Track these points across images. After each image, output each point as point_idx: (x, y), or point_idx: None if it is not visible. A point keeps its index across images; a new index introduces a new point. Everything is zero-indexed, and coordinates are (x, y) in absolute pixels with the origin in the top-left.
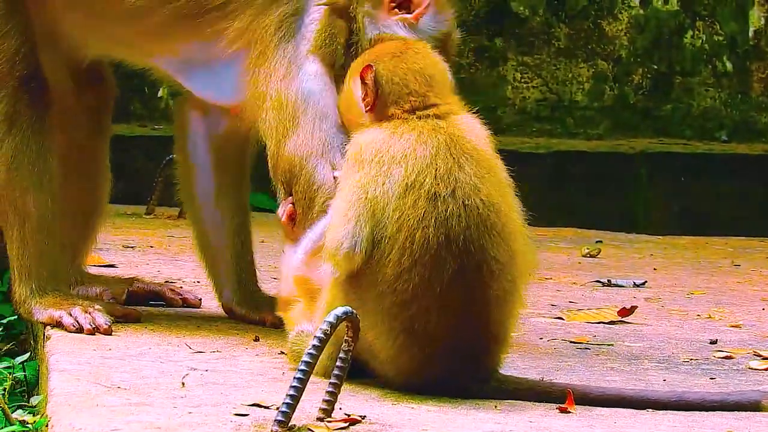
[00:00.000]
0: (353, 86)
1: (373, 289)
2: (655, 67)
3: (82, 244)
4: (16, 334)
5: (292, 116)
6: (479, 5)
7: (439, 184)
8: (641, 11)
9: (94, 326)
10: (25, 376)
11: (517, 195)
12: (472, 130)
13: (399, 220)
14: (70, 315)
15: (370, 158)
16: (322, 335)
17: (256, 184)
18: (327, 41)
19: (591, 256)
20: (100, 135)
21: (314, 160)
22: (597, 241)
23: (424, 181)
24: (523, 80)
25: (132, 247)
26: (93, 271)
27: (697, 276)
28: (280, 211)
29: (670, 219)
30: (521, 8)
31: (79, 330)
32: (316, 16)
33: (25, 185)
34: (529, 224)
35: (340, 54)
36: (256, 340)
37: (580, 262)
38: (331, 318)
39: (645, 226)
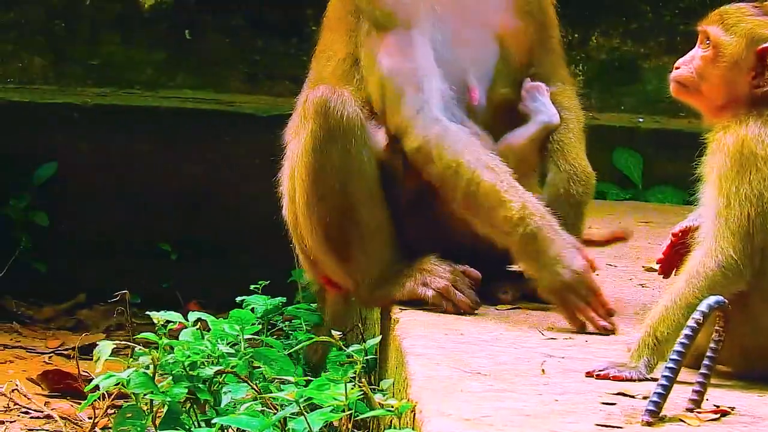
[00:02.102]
0: (746, 53)
1: None
2: None
3: None
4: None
5: None
6: None
7: None
8: None
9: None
10: (367, 359)
11: None
12: None
13: None
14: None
15: (764, 156)
16: (695, 324)
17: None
18: None
19: None
20: None
21: None
22: None
23: None
24: None
25: None
26: None
27: None
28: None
29: None
30: None
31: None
32: None
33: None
34: None
35: None
36: None
37: None
38: (703, 307)
39: None
